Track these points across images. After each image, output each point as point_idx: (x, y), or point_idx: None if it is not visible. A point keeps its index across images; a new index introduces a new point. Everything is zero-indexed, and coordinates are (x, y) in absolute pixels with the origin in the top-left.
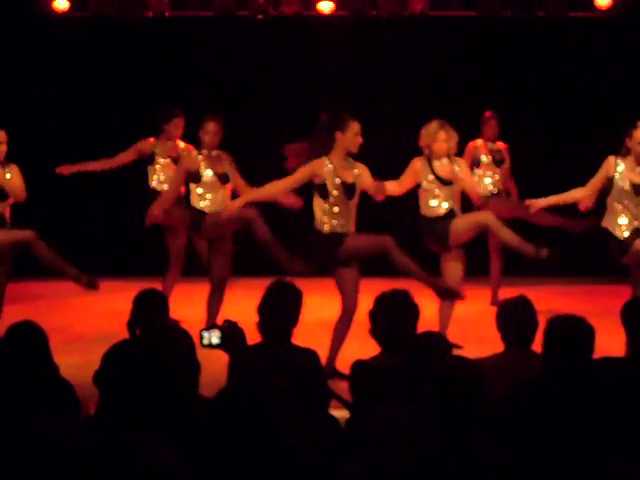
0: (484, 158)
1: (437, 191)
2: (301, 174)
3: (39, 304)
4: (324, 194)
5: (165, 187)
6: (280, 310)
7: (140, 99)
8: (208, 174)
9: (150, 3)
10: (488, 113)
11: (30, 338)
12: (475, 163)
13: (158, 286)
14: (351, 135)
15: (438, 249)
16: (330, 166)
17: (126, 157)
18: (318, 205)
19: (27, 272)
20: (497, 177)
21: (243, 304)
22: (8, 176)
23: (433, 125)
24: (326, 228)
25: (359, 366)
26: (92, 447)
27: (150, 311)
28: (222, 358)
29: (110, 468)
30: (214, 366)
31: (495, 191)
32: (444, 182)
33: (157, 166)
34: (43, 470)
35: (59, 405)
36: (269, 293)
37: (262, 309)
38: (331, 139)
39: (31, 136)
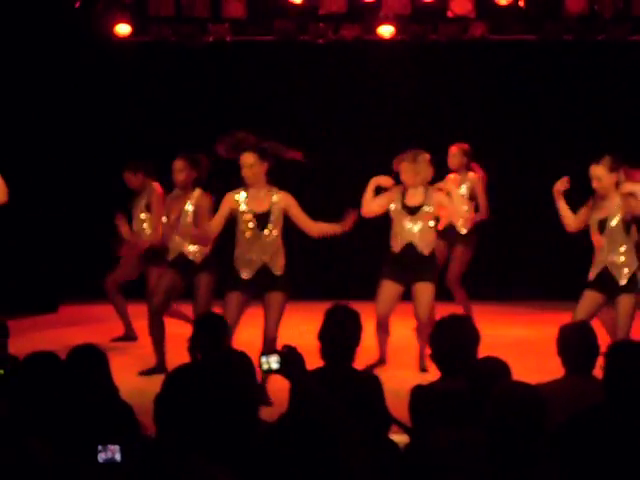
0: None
1: None
2: None
3: (101, 327)
4: None
5: None
6: (340, 334)
7: (200, 124)
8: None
9: (211, 28)
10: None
11: (91, 361)
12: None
13: (219, 310)
14: None
15: None
16: None
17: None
18: None
19: (89, 295)
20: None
21: (302, 328)
22: None
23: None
24: None
25: (419, 391)
26: (151, 471)
27: (211, 335)
28: (280, 382)
29: None
30: (272, 389)
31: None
32: None
33: None
34: None
35: (119, 428)
36: (328, 318)
37: (322, 334)
38: None
39: (89, 156)
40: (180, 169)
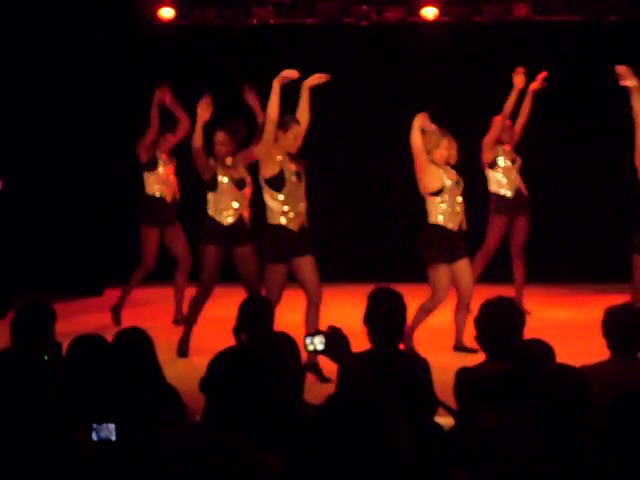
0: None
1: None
2: None
3: (145, 310)
4: None
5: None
6: (386, 317)
7: (243, 107)
8: (224, 181)
9: (254, 11)
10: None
11: (137, 344)
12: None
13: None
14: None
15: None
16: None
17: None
18: None
19: (128, 279)
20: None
21: (347, 310)
22: None
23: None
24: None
25: (464, 373)
26: (198, 454)
27: (255, 317)
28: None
29: (216, 475)
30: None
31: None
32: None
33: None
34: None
35: (166, 411)
36: (373, 301)
37: (368, 318)
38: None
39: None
40: (223, 141)
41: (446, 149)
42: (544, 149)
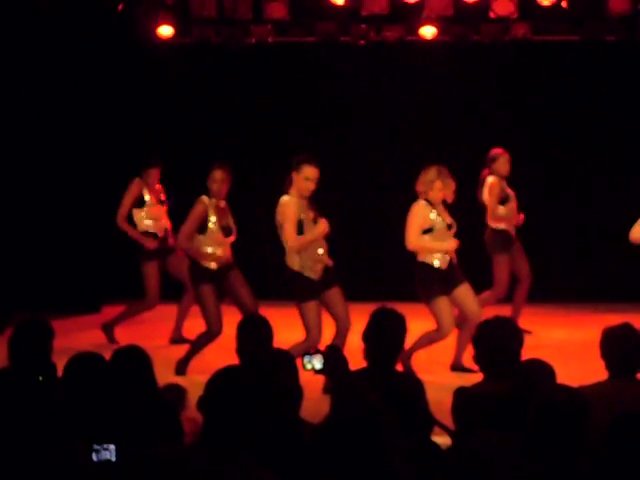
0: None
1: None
2: None
3: (143, 328)
4: None
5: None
6: (384, 336)
7: (243, 125)
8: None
9: (253, 30)
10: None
11: (135, 362)
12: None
13: (261, 310)
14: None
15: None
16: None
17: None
18: None
19: (131, 295)
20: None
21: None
22: None
23: (431, 173)
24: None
25: (462, 393)
26: (196, 473)
27: (254, 336)
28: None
29: None
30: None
31: None
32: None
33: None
34: None
35: (164, 430)
36: (373, 320)
37: (367, 335)
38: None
39: (133, 157)
40: (223, 179)
41: (440, 190)
42: (541, 168)
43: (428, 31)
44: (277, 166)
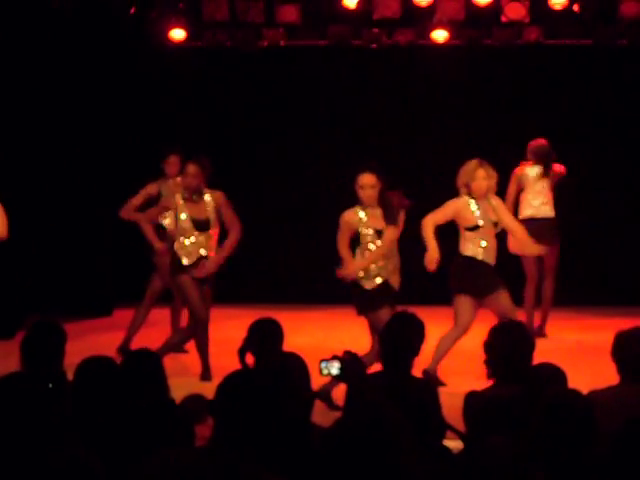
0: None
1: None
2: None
3: (155, 331)
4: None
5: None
6: (402, 340)
7: (255, 128)
8: (182, 218)
9: (265, 33)
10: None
11: (146, 366)
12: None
13: (270, 314)
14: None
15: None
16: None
17: (136, 201)
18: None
19: (137, 300)
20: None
21: (356, 332)
22: None
23: (472, 163)
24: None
25: (473, 397)
26: (205, 476)
27: (265, 339)
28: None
29: None
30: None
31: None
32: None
33: None
34: None
35: (174, 434)
36: (391, 324)
37: (383, 339)
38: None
39: (145, 161)
40: (195, 174)
41: (484, 179)
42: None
43: (440, 35)
44: (289, 167)
